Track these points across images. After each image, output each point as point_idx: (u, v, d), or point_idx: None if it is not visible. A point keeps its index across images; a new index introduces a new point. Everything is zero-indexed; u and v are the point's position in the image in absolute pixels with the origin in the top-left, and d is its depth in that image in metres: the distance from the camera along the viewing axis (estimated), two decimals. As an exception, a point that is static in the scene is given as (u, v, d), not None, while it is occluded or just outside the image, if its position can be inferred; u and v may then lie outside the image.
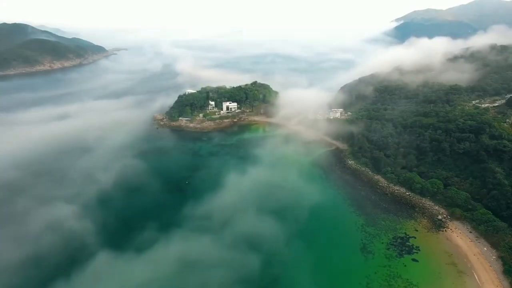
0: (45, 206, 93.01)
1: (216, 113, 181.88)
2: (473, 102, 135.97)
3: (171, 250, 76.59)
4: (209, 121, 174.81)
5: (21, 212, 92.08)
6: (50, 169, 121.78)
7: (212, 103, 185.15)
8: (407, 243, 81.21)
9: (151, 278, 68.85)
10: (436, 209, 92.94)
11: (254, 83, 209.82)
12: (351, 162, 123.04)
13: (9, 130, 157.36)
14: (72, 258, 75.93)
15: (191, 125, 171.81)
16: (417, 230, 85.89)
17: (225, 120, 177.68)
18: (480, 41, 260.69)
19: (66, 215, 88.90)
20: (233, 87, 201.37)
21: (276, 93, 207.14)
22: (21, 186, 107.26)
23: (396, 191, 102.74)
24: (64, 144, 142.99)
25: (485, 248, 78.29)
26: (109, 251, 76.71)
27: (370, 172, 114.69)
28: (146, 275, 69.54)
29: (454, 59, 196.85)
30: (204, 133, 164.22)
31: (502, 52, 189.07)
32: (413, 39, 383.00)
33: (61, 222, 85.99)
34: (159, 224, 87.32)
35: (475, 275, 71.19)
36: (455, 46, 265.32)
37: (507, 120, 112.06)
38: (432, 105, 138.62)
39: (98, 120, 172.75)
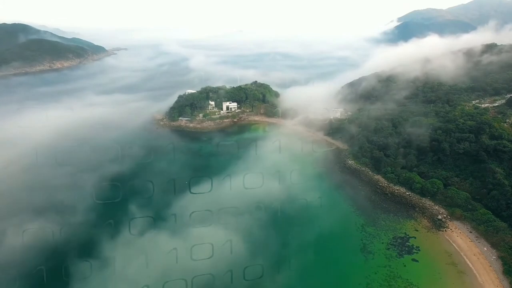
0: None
1: (216, 113, 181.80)
2: (473, 102, 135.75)
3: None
4: (209, 121, 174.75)
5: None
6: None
7: (212, 103, 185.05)
8: (407, 243, 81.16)
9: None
10: (436, 209, 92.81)
11: (254, 83, 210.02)
12: (351, 162, 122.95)
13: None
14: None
15: (191, 125, 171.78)
16: (417, 230, 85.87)
17: (225, 120, 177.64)
18: (472, 39, 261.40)
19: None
20: (233, 87, 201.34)
21: (276, 93, 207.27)
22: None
23: (396, 191, 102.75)
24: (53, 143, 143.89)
25: (485, 248, 78.20)
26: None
27: (370, 172, 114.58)
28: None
29: (454, 58, 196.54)
30: (204, 133, 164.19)
31: (501, 51, 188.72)
32: (413, 39, 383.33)
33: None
34: (163, 219, 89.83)
35: (475, 275, 71.11)
36: (453, 45, 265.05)
37: (507, 120, 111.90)
38: (432, 105, 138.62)
39: (96, 119, 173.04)
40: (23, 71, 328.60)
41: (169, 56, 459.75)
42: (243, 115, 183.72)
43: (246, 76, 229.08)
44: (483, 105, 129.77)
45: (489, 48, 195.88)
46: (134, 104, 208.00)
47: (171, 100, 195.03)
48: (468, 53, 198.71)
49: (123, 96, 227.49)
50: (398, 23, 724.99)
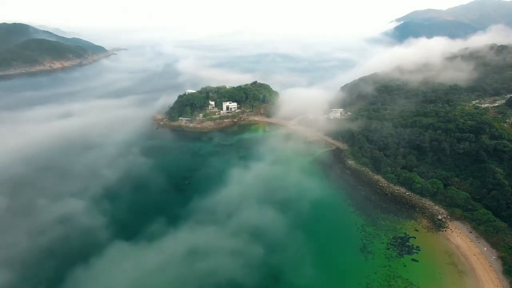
0: (56, 199, 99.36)
1: (216, 113, 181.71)
2: (473, 102, 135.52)
3: (179, 241, 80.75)
4: (209, 121, 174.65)
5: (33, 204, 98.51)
6: (57, 164, 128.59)
7: (212, 103, 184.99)
8: (407, 243, 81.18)
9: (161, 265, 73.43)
10: (436, 209, 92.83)
11: (254, 83, 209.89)
12: (351, 162, 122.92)
13: (17, 127, 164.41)
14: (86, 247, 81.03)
15: (191, 125, 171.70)
16: (417, 230, 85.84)
17: (225, 120, 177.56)
18: (479, 40, 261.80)
19: (76, 208, 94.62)
20: (233, 87, 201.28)
21: (276, 93, 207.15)
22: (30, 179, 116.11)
23: (396, 191, 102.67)
24: (61, 145, 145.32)
25: (485, 248, 78.27)
26: (120, 241, 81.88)
27: (370, 172, 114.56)
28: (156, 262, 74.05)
29: (454, 58, 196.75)
30: (204, 133, 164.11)
31: (501, 52, 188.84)
32: (413, 39, 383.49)
33: (72, 215, 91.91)
34: (164, 219, 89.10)
35: (475, 275, 71.13)
36: (455, 46, 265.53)
37: (507, 120, 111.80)
38: (432, 105, 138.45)
39: (96, 120, 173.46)
40: (24, 71, 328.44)
41: (169, 57, 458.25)
42: (243, 115, 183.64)
43: (245, 80, 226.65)
44: (483, 105, 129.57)
45: (489, 48, 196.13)
46: (134, 104, 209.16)
47: (169, 101, 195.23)
48: (468, 53, 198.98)
49: (123, 96, 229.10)
50: (398, 24, 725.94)
